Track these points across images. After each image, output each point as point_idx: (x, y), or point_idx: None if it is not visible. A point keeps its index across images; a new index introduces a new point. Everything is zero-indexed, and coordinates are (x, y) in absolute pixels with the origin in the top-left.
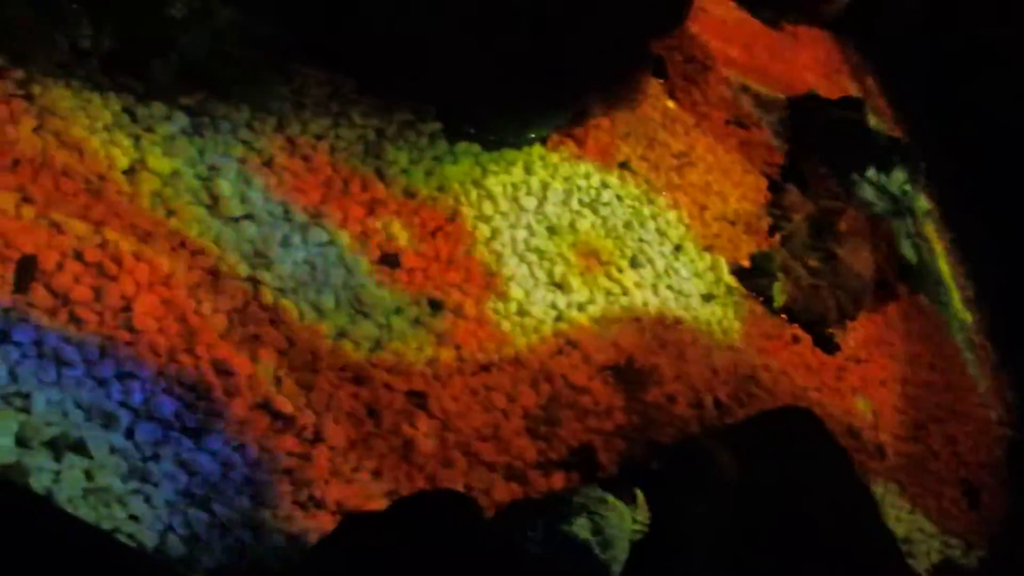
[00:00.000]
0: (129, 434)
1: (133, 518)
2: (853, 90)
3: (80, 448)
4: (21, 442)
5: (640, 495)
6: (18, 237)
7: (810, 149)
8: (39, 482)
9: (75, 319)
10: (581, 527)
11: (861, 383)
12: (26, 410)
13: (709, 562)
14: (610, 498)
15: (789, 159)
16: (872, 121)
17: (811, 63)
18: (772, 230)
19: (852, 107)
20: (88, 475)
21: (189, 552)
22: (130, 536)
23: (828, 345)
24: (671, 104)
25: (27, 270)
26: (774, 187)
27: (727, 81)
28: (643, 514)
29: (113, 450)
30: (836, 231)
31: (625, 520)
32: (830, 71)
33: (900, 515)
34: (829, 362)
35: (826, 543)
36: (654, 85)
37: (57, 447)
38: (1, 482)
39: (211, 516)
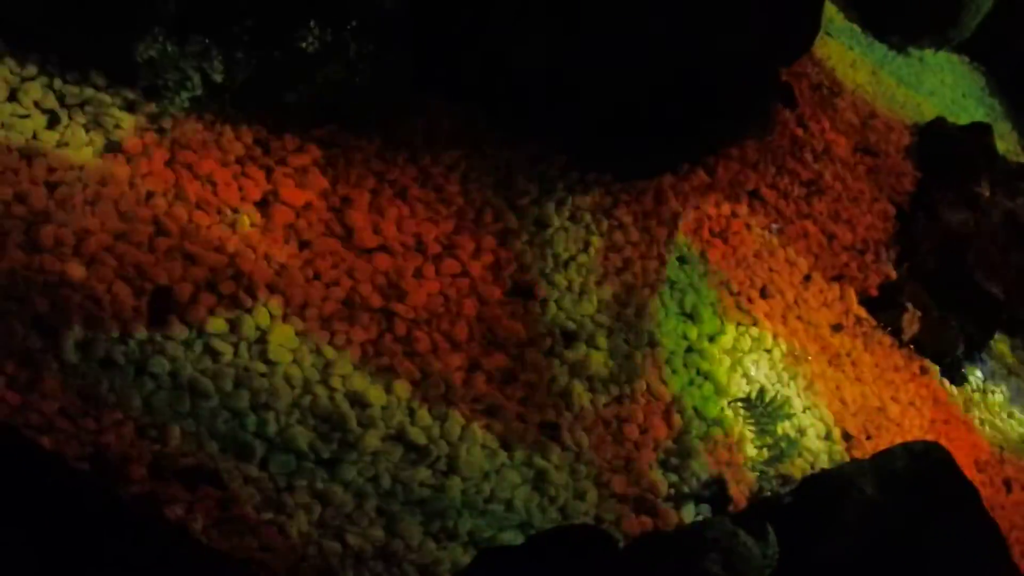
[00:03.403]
0: (263, 465)
1: (266, 549)
2: (981, 115)
3: (215, 479)
4: (155, 472)
5: (771, 530)
6: (153, 269)
7: (938, 176)
8: (173, 512)
9: (210, 351)
10: (713, 562)
11: (988, 415)
12: (161, 441)
13: None
14: (741, 532)
15: (918, 186)
16: (1000, 146)
17: (938, 88)
18: (901, 260)
19: (980, 133)
20: (222, 505)
21: None
22: (263, 566)
23: (956, 376)
24: (800, 132)
25: (162, 302)
26: (903, 215)
27: (855, 107)
28: (773, 549)
29: (247, 480)
30: (965, 260)
31: (756, 555)
32: (957, 96)
33: None
34: (957, 394)
35: None
36: (783, 113)
37: (192, 477)
38: (134, 511)
39: (344, 547)
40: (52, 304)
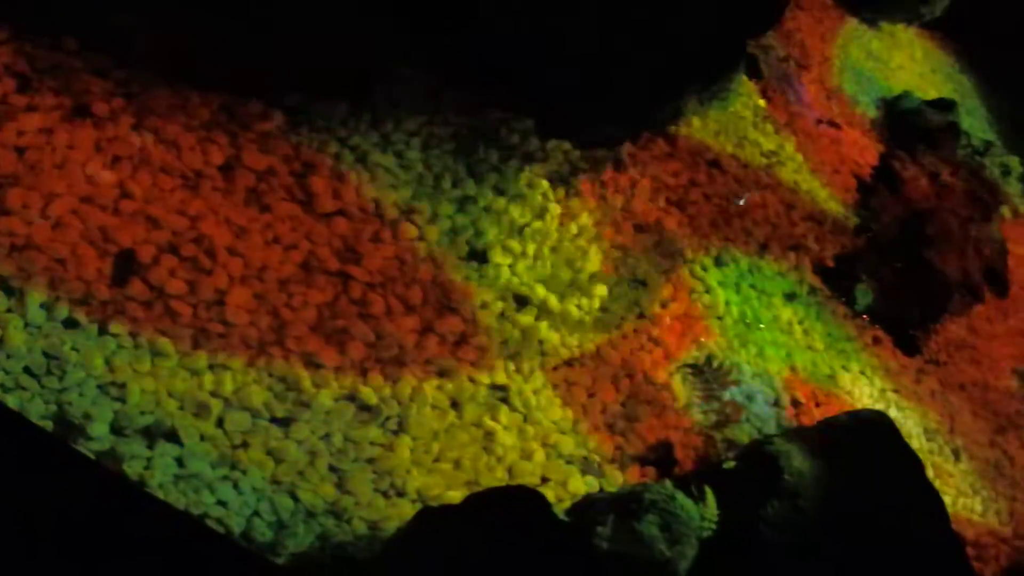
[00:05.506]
0: (220, 423)
1: (221, 504)
2: (949, 91)
3: (172, 436)
4: (116, 430)
5: (710, 493)
6: (117, 232)
7: (901, 150)
8: (132, 468)
9: (170, 312)
10: (650, 523)
11: (940, 386)
12: (121, 399)
13: (777, 563)
14: (680, 495)
15: (880, 160)
16: (966, 123)
17: (906, 63)
18: (859, 231)
19: (945, 108)
20: (179, 462)
21: (275, 537)
22: (218, 521)
23: (909, 347)
24: (763, 103)
25: (125, 264)
26: (864, 188)
27: (821, 80)
28: (712, 512)
29: (204, 438)
30: (924, 233)
31: (694, 517)
32: (926, 71)
33: (972, 519)
34: (909, 364)
35: (893, 547)
36: (747, 84)
37: (150, 435)
38: (96, 468)
39: (296, 503)
40: (18, 266)
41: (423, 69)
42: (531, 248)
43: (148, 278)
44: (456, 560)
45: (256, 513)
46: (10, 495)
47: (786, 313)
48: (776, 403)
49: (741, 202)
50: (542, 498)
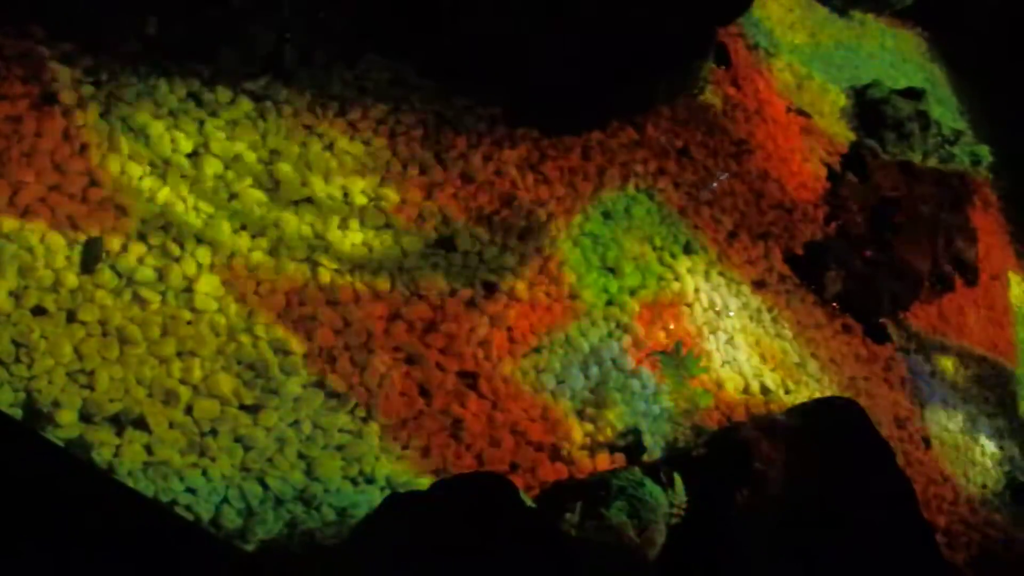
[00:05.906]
0: (188, 410)
1: (190, 491)
2: (919, 80)
3: (141, 423)
4: (85, 417)
5: (678, 480)
6: (85, 220)
7: (871, 138)
8: (101, 456)
9: (139, 299)
10: (618, 510)
11: (910, 373)
12: (90, 387)
13: (746, 550)
14: (648, 482)
15: (850, 148)
16: (936, 112)
17: (878, 51)
18: (829, 219)
19: (915, 97)
20: (148, 449)
21: (243, 524)
22: (187, 508)
23: (879, 335)
24: (733, 91)
25: (93, 252)
26: (833, 176)
27: (791, 68)
28: (680, 498)
29: (173, 425)
30: (893, 222)
31: (662, 503)
32: (897, 60)
33: (942, 506)
34: (879, 352)
35: (863, 534)
36: (717, 72)
37: (119, 422)
38: (65, 456)
39: (265, 490)
40: None
41: (390, 55)
42: (499, 236)
43: (116, 266)
44: (424, 546)
45: (225, 500)
46: None
47: (755, 301)
48: (746, 390)
49: (715, 185)
50: (511, 485)
